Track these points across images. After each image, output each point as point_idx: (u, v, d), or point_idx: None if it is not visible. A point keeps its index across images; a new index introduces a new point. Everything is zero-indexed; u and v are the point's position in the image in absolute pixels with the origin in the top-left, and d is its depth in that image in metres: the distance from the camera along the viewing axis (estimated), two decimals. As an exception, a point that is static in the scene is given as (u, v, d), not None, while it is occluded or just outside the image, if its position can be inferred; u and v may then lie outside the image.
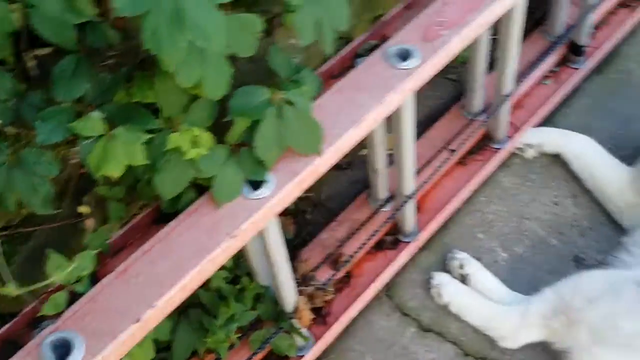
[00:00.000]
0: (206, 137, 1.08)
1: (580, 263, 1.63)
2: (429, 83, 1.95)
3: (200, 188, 1.14)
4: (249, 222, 1.09)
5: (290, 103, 1.10)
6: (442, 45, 1.28)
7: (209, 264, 1.06)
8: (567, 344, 1.43)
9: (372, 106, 1.19)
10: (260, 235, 1.21)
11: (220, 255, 1.07)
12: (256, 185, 1.12)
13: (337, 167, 1.82)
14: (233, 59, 1.02)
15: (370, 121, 1.19)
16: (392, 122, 1.39)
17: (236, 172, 1.10)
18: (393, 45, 1.26)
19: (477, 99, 1.74)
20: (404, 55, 1.24)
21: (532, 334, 1.49)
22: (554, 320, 1.45)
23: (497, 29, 1.56)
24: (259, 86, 1.10)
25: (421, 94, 1.94)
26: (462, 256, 1.63)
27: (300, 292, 1.45)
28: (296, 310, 1.41)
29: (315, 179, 1.16)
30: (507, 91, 1.65)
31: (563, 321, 1.43)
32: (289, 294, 1.38)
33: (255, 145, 1.08)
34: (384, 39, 1.32)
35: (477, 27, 1.31)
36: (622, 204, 1.66)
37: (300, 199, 1.69)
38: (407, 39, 1.27)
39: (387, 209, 1.63)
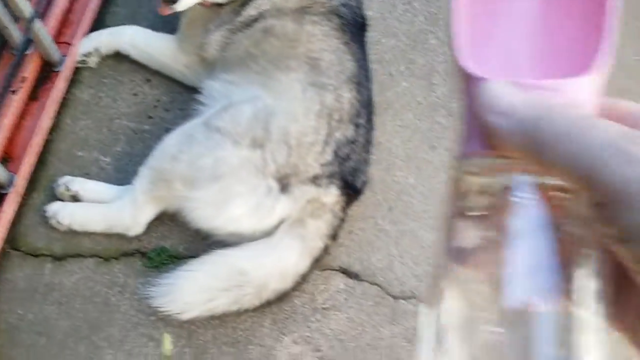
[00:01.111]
0: None
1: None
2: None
3: None
4: None
5: None
6: None
7: None
8: (176, 204, 1.57)
9: None
10: None
11: None
12: None
13: None
14: None
15: None
16: None
17: None
18: None
19: (14, 33, 1.72)
20: None
21: (148, 211, 1.60)
22: (156, 190, 1.57)
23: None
24: None
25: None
26: (64, 180, 1.66)
27: None
28: None
29: None
30: (28, 14, 1.66)
31: (163, 187, 1.56)
32: None
33: None
34: None
35: None
36: (182, 68, 1.82)
37: None
38: None
39: (-30, 172, 1.58)
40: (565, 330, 0.32)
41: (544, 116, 0.31)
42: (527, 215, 0.33)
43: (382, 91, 1.90)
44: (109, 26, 1.92)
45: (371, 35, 1.96)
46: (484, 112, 0.33)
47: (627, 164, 0.28)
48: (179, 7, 1.59)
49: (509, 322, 0.33)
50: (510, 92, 0.33)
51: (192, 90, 1.83)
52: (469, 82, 0.37)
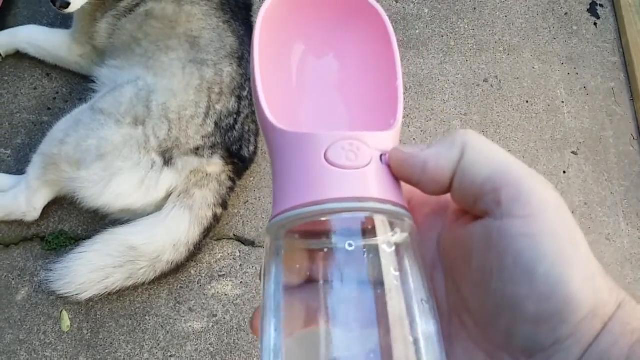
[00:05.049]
0: None
1: (73, 122, 1.81)
2: None
3: None
4: None
5: None
6: None
7: None
8: (67, 186, 1.61)
9: None
10: None
11: None
12: None
13: None
14: None
15: None
16: None
17: None
18: None
19: None
20: None
21: (43, 196, 1.64)
22: (48, 174, 1.61)
23: None
24: None
25: None
26: None
27: None
28: None
29: None
30: None
31: (53, 170, 1.60)
32: None
33: None
34: None
35: None
36: (77, 59, 1.87)
37: None
38: None
39: None
40: None
41: (461, 158, 0.38)
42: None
43: (277, 67, 1.95)
44: (11, 27, 1.98)
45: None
46: (408, 171, 0.39)
47: (540, 183, 0.37)
48: (73, 8, 1.64)
49: None
50: (410, 151, 0.39)
51: (90, 81, 1.88)
52: (277, 137, 0.39)
